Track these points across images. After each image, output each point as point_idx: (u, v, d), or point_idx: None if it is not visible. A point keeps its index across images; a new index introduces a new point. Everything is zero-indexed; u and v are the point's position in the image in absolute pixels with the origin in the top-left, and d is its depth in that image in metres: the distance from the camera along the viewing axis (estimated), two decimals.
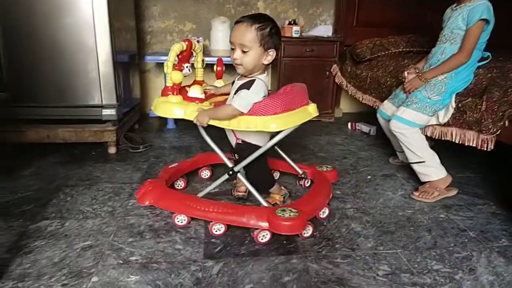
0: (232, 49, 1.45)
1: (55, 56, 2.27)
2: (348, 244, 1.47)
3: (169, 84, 1.56)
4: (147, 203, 1.60)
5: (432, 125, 1.96)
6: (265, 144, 1.53)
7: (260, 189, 1.60)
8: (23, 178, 2.00)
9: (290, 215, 1.39)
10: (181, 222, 1.56)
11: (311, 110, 1.57)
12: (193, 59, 1.72)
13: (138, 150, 2.47)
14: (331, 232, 1.55)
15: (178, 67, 1.57)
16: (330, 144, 2.74)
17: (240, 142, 1.58)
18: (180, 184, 1.93)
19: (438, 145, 2.09)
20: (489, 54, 1.89)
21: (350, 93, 3.12)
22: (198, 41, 2.96)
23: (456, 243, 1.50)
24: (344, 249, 1.44)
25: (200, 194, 1.64)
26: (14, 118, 2.33)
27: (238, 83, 1.51)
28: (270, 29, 1.41)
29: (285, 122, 1.42)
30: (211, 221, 1.50)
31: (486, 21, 1.75)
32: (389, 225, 1.62)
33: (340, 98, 3.70)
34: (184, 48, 1.57)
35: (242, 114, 1.42)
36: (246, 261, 1.35)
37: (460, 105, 1.82)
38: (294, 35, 3.18)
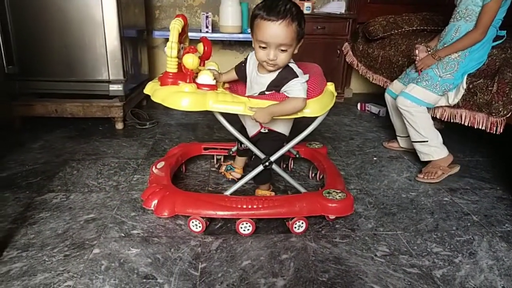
0: (264, 48, 1.27)
1: (63, 29, 2.27)
2: (348, 224, 1.47)
3: (172, 69, 1.33)
4: (165, 214, 1.37)
5: (441, 106, 1.92)
6: (288, 131, 1.51)
7: (262, 179, 1.54)
8: (31, 151, 2.03)
9: (340, 196, 1.40)
10: (196, 227, 1.38)
11: (332, 90, 1.48)
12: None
13: (145, 127, 2.48)
14: None
15: (190, 49, 1.32)
16: (337, 125, 2.71)
17: (265, 131, 1.48)
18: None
19: (447, 127, 2.05)
20: (505, 32, 1.82)
21: (360, 73, 3.06)
22: (207, 16, 2.93)
23: (458, 227, 1.48)
24: (344, 229, 1.44)
25: (228, 192, 1.47)
26: (23, 91, 2.36)
27: (264, 77, 1.37)
28: (303, 20, 1.30)
29: (320, 106, 1.35)
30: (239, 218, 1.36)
31: None
32: (391, 207, 1.61)
33: (350, 78, 3.64)
34: (182, 25, 1.35)
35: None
36: (245, 238, 1.36)
37: (471, 86, 1.77)
38: (306, 12, 3.09)
